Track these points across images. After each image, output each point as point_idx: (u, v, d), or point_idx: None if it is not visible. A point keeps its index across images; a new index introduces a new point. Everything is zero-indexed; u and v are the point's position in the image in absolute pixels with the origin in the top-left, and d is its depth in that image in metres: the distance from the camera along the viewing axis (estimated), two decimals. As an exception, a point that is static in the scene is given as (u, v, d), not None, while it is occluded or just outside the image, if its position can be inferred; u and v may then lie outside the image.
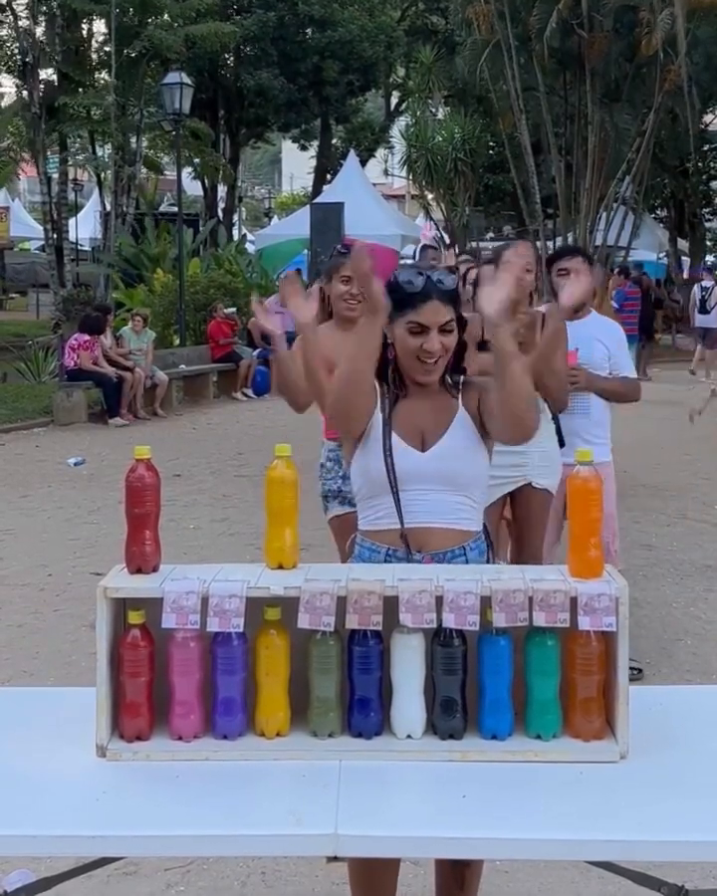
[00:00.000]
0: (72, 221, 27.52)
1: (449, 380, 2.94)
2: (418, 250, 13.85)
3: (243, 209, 47.89)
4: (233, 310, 17.60)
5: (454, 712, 2.48)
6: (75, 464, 11.21)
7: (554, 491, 4.82)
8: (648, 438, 10.50)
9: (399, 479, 2.84)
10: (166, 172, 32.66)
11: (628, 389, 5.29)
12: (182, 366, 16.43)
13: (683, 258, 33.40)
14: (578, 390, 5.02)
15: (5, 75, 24.75)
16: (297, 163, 51.01)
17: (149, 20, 23.78)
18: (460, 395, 2.93)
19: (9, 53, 23.97)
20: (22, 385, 16.73)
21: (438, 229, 28.17)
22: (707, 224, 34.31)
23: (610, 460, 5.32)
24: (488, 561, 2.95)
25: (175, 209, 22.68)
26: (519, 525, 4.95)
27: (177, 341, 17.97)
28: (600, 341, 5.17)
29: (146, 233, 23.47)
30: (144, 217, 24.73)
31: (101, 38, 25.26)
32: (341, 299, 4.44)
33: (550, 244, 22.51)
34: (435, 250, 11.50)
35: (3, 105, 25.98)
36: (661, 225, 34.30)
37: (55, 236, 24.13)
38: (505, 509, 4.94)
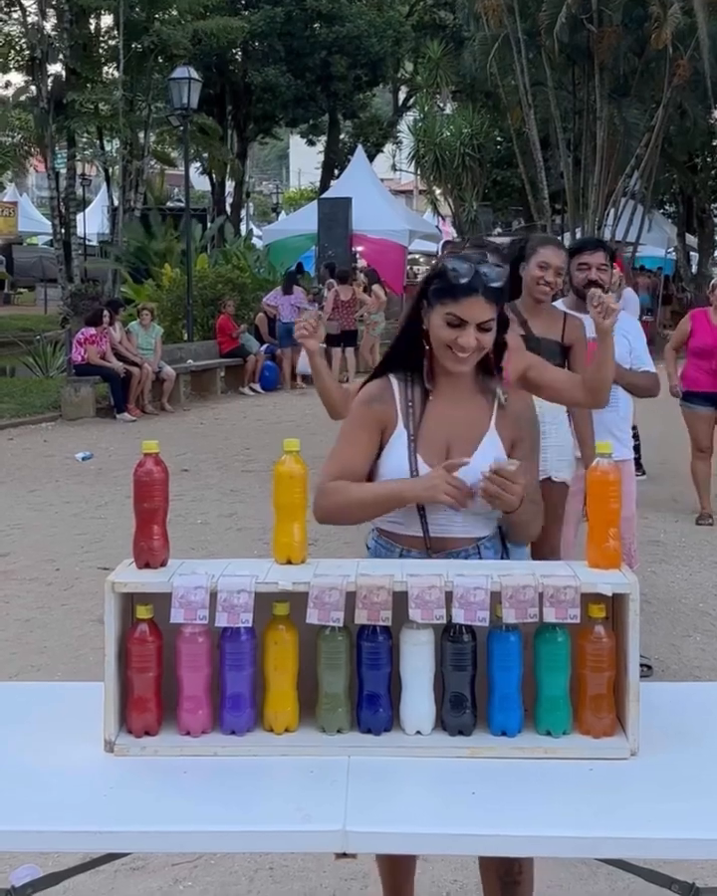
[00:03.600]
0: (80, 216, 27.55)
1: (489, 388, 2.82)
2: (441, 246, 13.92)
3: (251, 204, 47.92)
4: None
5: (464, 708, 2.47)
6: (82, 459, 11.22)
7: (570, 484, 4.81)
8: (657, 433, 10.47)
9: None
10: (176, 166, 32.62)
11: (651, 383, 5.29)
12: (190, 361, 16.44)
13: (692, 253, 33.34)
14: None
15: (14, 71, 24.69)
16: (304, 159, 51.04)
17: (158, 15, 23.78)
18: (495, 410, 2.80)
19: (18, 48, 23.94)
20: (30, 380, 16.77)
21: (451, 226, 28.17)
22: (716, 219, 34.22)
23: (632, 458, 5.32)
24: (502, 558, 2.91)
25: (183, 204, 22.68)
26: None
27: (185, 336, 17.98)
28: (622, 336, 5.14)
29: (154, 228, 23.48)
30: (152, 212, 24.75)
31: (109, 33, 25.25)
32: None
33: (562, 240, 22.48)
34: (455, 245, 11.51)
35: (10, 99, 25.97)
36: (670, 220, 34.28)
37: (63, 231, 24.14)
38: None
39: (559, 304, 5.06)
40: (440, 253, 14.00)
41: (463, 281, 2.65)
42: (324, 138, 37.35)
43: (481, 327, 2.69)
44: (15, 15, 24.09)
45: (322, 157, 37.15)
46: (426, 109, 30.57)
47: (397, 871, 3.12)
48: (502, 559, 2.90)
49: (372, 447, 2.80)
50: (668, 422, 9.48)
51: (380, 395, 2.82)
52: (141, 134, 24.68)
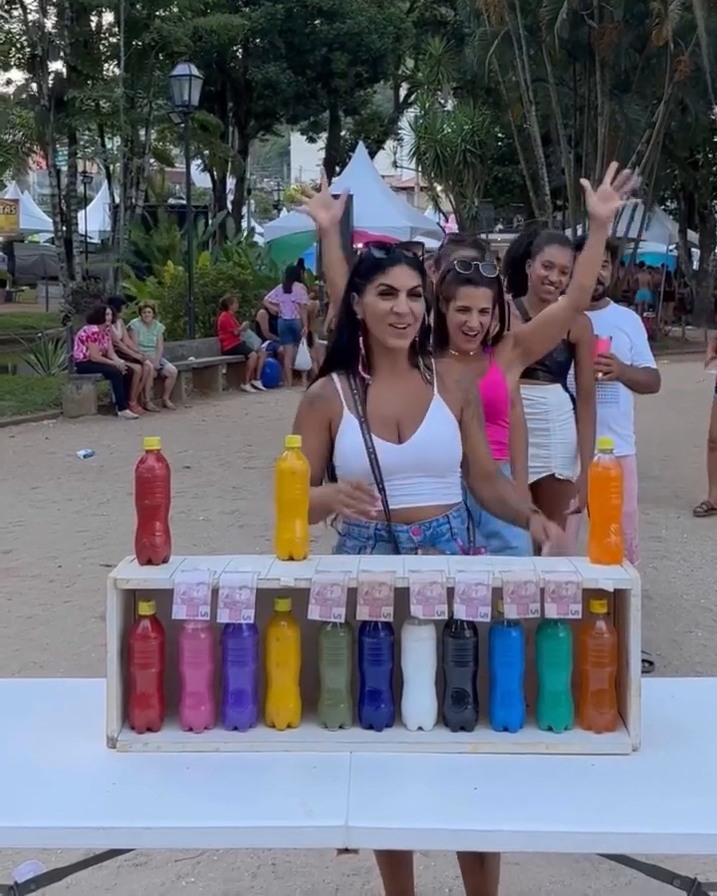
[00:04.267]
0: (81, 214, 27.53)
1: (421, 364, 2.97)
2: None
3: (252, 201, 47.90)
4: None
5: (465, 704, 2.47)
6: (84, 456, 11.22)
7: (575, 480, 4.80)
8: (658, 429, 10.47)
9: (383, 473, 2.88)
10: (176, 165, 32.62)
11: (652, 379, 5.26)
12: (192, 358, 16.43)
13: (693, 249, 33.32)
14: (610, 379, 5.01)
15: (15, 68, 24.67)
16: (305, 155, 51.02)
17: (158, 12, 23.76)
18: (434, 380, 2.96)
19: (19, 46, 23.93)
20: (31, 377, 16.77)
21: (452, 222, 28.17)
22: (717, 216, 34.21)
23: (634, 454, 5.30)
24: (469, 528, 3.04)
25: (184, 201, 22.67)
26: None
27: (187, 334, 17.98)
28: (623, 332, 5.13)
29: (157, 226, 23.46)
30: (154, 209, 24.74)
31: (109, 30, 25.24)
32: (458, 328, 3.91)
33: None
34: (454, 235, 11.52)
35: (11, 97, 25.96)
36: (671, 217, 34.22)
37: (64, 228, 24.13)
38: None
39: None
40: (442, 245, 13.98)
41: (385, 254, 2.90)
42: (325, 135, 37.32)
43: (411, 292, 2.86)
44: (16, 12, 24.08)
45: (323, 154, 37.12)
46: (427, 105, 30.57)
47: (396, 866, 3.16)
48: (469, 528, 3.04)
49: (321, 445, 2.94)
50: (670, 418, 9.48)
51: (322, 393, 2.98)
52: (142, 132, 24.65)
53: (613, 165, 3.61)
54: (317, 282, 20.66)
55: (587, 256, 3.77)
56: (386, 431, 2.90)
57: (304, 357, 17.82)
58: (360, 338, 2.94)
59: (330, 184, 3.90)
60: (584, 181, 3.61)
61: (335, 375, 2.99)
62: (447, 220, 23.48)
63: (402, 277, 2.86)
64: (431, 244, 30.61)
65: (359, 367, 2.94)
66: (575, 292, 3.90)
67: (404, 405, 2.92)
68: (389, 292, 2.86)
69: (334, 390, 2.95)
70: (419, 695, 2.48)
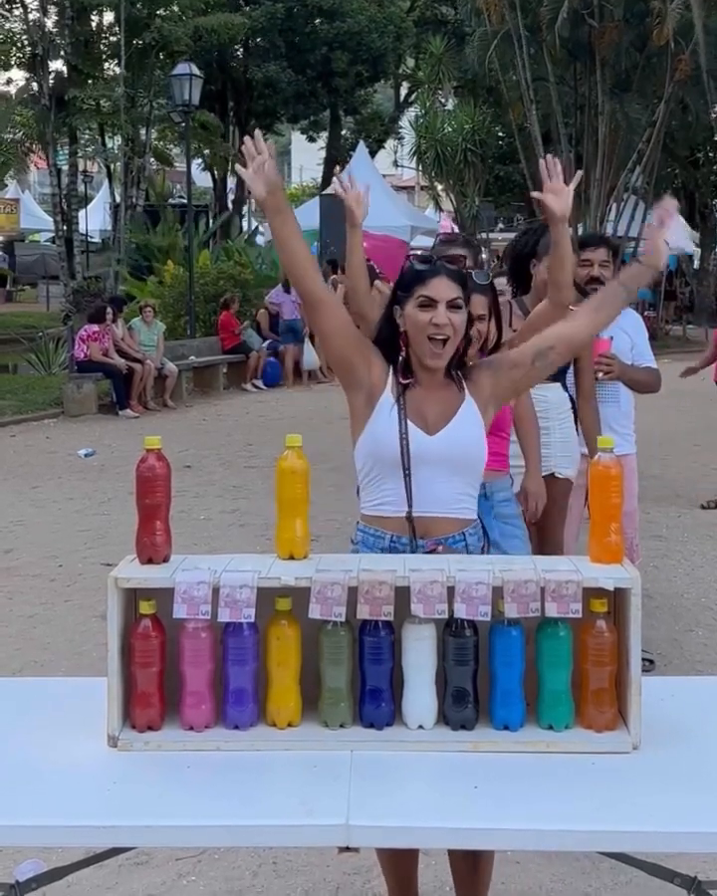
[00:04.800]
0: (82, 213, 27.54)
1: (455, 375, 2.98)
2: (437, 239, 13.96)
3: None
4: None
5: (466, 702, 2.48)
6: (85, 455, 11.23)
7: (574, 479, 4.80)
8: (658, 429, 10.47)
9: (412, 461, 2.87)
10: (176, 164, 32.64)
11: (653, 379, 5.26)
12: (192, 358, 16.43)
13: (694, 249, 33.30)
14: (611, 379, 5.00)
15: (15, 68, 24.69)
16: (306, 155, 50.97)
17: (159, 12, 23.77)
18: (466, 386, 2.98)
19: (20, 45, 23.95)
20: (32, 377, 16.77)
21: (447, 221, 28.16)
22: (718, 215, 34.20)
23: (634, 453, 5.29)
24: (484, 548, 3.02)
25: (185, 201, 22.67)
26: (541, 515, 4.91)
27: (187, 333, 17.98)
28: (624, 331, 5.13)
29: (159, 224, 23.45)
30: (155, 209, 24.73)
31: (110, 29, 25.26)
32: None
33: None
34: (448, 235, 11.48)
35: (12, 96, 25.98)
36: (672, 216, 34.13)
37: (65, 228, 24.16)
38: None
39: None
40: (434, 246, 13.97)
41: (426, 266, 2.93)
42: (325, 135, 37.32)
43: (451, 304, 2.88)
44: (16, 12, 24.11)
45: (323, 154, 37.12)
46: (428, 104, 30.55)
47: (401, 865, 3.14)
48: (484, 548, 3.01)
49: (363, 343, 2.99)
50: (670, 417, 9.48)
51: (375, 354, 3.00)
52: (143, 131, 24.68)
53: (550, 161, 3.50)
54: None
55: (557, 254, 3.73)
56: (419, 421, 2.92)
57: (311, 356, 17.84)
58: (401, 349, 2.96)
59: (331, 183, 3.92)
60: (535, 194, 3.54)
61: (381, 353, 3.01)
62: (446, 218, 23.50)
63: (442, 288, 2.88)
64: (431, 243, 30.65)
65: (401, 373, 2.95)
66: (554, 290, 3.83)
67: (436, 406, 2.94)
68: (429, 303, 2.88)
69: (383, 366, 2.97)
70: (420, 694, 2.49)
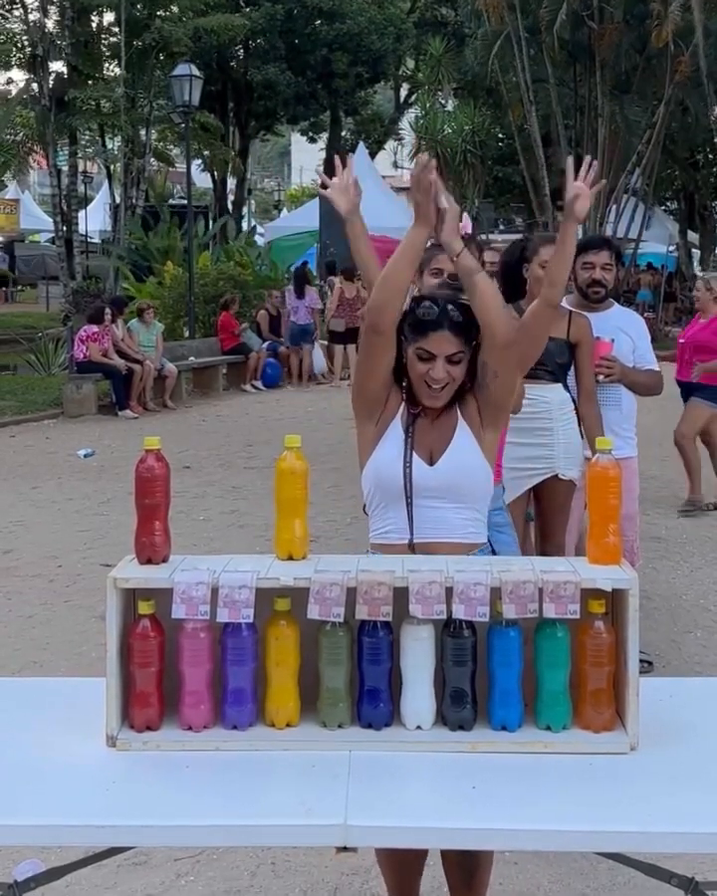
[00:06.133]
0: (81, 213, 27.54)
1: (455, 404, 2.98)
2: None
3: (252, 202, 47.88)
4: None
5: (464, 703, 2.48)
6: (84, 456, 11.23)
7: (578, 482, 4.79)
8: (656, 430, 10.47)
9: (413, 491, 2.88)
10: (176, 165, 32.64)
11: (655, 382, 5.24)
12: (192, 358, 16.43)
13: (693, 250, 33.32)
14: (612, 382, 5.00)
15: (16, 68, 24.71)
16: (306, 156, 50.99)
17: (159, 13, 23.78)
18: (458, 410, 2.96)
19: (20, 46, 23.96)
20: (32, 377, 16.77)
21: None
22: (717, 216, 34.23)
23: (635, 456, 5.29)
24: None
25: (184, 202, 22.67)
26: (544, 516, 4.91)
27: (187, 334, 17.98)
28: (626, 334, 5.12)
29: (158, 225, 23.45)
30: (155, 210, 24.73)
31: (110, 30, 25.27)
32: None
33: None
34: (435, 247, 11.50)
35: (13, 97, 25.99)
36: (671, 217, 34.24)
37: (64, 228, 24.16)
38: (529, 503, 4.91)
39: (563, 302, 5.04)
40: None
41: (431, 317, 2.85)
42: (325, 136, 37.33)
43: (450, 359, 2.85)
44: (16, 12, 24.12)
45: (323, 154, 37.12)
46: (428, 105, 30.56)
47: (403, 868, 3.09)
48: None
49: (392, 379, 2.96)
50: (670, 419, 9.48)
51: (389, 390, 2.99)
52: (143, 132, 24.68)
53: (587, 160, 3.51)
54: (317, 282, 20.66)
55: (561, 251, 3.72)
56: (423, 452, 2.92)
57: (319, 361, 17.88)
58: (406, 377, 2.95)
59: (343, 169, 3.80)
60: (571, 178, 3.52)
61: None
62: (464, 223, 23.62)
63: (442, 344, 2.84)
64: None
65: (409, 403, 2.96)
66: (548, 287, 3.81)
67: (438, 433, 2.94)
68: (428, 357, 2.85)
69: (400, 397, 2.97)
70: (418, 694, 2.49)
